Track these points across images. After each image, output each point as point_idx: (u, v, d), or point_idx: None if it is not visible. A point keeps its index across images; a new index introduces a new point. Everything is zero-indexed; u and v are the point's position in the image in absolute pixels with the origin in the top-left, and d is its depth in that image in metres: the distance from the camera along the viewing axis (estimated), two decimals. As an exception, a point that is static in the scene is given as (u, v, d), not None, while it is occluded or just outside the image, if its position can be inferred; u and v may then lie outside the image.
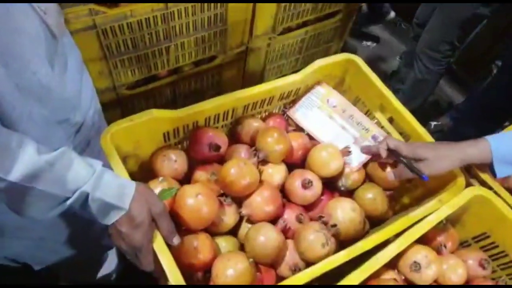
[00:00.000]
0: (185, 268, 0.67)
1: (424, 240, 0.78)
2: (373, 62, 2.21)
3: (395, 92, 1.58)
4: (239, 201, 0.78)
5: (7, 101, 0.55)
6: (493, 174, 0.72)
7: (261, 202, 0.76)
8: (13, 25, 0.52)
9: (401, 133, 0.87)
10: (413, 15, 1.80)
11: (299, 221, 0.79)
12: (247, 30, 1.27)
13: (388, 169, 0.83)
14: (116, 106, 1.22)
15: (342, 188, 0.86)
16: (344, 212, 0.76)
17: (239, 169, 0.74)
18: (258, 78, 1.51)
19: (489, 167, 0.72)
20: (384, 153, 0.78)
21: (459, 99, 2.14)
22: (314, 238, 0.72)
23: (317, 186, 0.81)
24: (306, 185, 0.79)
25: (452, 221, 0.82)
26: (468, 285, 0.75)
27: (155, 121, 0.75)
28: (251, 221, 0.79)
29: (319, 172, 0.82)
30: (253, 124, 0.87)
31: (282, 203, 0.80)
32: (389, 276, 0.73)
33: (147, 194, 0.60)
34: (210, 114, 0.82)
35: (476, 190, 0.74)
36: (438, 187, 0.79)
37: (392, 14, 2.46)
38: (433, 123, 1.98)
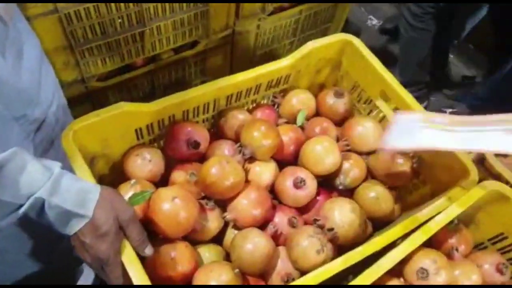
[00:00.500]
0: (161, 281, 0.67)
1: (433, 243, 0.78)
2: (379, 45, 2.20)
3: None
4: (223, 204, 0.78)
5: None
6: None
7: (248, 205, 0.75)
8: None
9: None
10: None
11: (292, 225, 0.79)
12: (233, 11, 1.25)
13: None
14: (86, 101, 1.21)
15: (341, 187, 0.85)
16: (342, 214, 0.76)
17: (221, 168, 0.73)
18: (248, 65, 1.50)
19: None
20: None
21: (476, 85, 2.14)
22: (308, 244, 0.71)
23: (311, 185, 0.80)
24: (299, 184, 0.78)
25: (465, 221, 0.81)
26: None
27: (125, 115, 0.74)
28: (237, 226, 0.78)
29: (313, 169, 0.82)
30: (238, 117, 0.86)
31: (272, 206, 0.79)
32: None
33: (114, 199, 0.59)
34: (189, 107, 0.81)
35: (491, 185, 0.74)
36: (449, 183, 0.78)
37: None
38: (448, 111, 1.98)
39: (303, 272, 0.71)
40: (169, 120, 0.81)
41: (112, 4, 1.01)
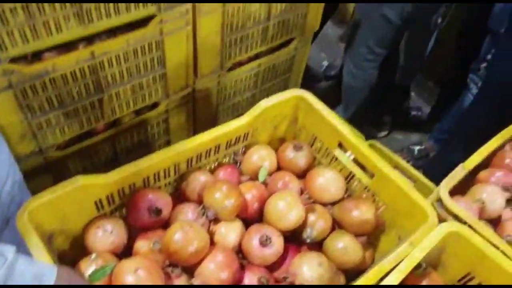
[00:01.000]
0: None
1: (403, 290, 0.80)
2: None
3: None
4: (190, 270, 0.79)
5: None
6: None
7: (215, 268, 0.77)
8: None
9: (364, 170, 0.92)
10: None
11: (262, 284, 0.80)
12: (191, 70, 1.32)
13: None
14: (45, 172, 1.22)
15: (308, 240, 0.88)
16: (311, 269, 0.79)
17: (184, 233, 0.75)
18: (212, 121, 1.56)
19: None
20: None
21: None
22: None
23: (278, 242, 0.83)
24: (264, 242, 0.81)
25: (433, 264, 0.85)
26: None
27: (83, 189, 0.76)
28: (206, 292, 0.79)
29: (279, 225, 0.85)
30: (199, 179, 0.89)
31: (240, 267, 0.81)
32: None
33: (71, 280, 0.60)
34: (149, 174, 0.84)
35: (449, 226, 0.78)
36: (411, 227, 0.82)
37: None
38: (416, 148, 2.07)
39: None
40: (129, 188, 0.83)
41: (69, 75, 1.05)
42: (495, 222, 0.97)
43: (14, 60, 0.94)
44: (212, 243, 0.82)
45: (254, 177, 0.96)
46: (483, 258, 0.78)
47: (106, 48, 1.06)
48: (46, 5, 0.90)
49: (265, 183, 0.94)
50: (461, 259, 0.82)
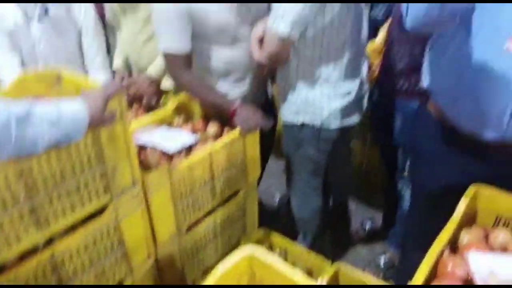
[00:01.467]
0: None
1: None
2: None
3: None
4: None
5: None
6: None
7: None
8: None
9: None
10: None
11: None
12: (150, 242, 1.38)
13: None
14: None
15: None
16: None
17: None
18: (180, 280, 1.58)
19: None
20: None
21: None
22: None
23: None
24: None
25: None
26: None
27: None
28: None
29: None
30: None
31: None
32: None
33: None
34: None
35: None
36: None
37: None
38: (381, 259, 2.13)
39: None
40: None
41: (31, 277, 1.08)
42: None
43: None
44: None
45: None
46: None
47: (65, 246, 1.12)
48: (5, 220, 0.98)
49: None
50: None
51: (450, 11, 1.06)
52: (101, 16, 2.06)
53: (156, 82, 1.95)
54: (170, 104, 1.73)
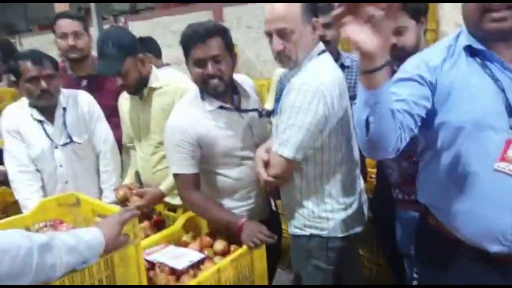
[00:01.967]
0: None
1: None
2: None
3: None
4: None
5: None
6: None
7: None
8: None
9: None
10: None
11: None
12: None
13: None
14: None
15: None
16: None
17: None
18: None
19: None
20: None
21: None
22: None
23: None
24: None
25: None
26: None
27: None
28: None
29: None
30: None
31: None
32: None
33: None
34: None
35: None
36: None
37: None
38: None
39: None
40: None
41: None
42: None
43: None
44: None
45: None
46: None
47: None
48: None
49: None
50: None
51: (360, 130, 1.10)
52: (118, 139, 2.24)
53: (163, 197, 2.03)
54: (178, 221, 1.79)
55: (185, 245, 1.72)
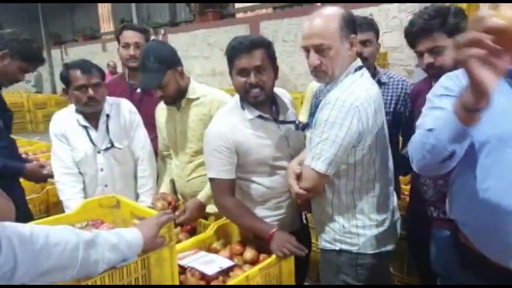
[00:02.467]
0: None
1: None
2: None
3: None
4: None
5: None
6: None
7: None
8: None
9: None
10: None
11: None
12: None
13: None
14: None
15: None
16: None
17: None
18: None
19: None
20: None
21: None
22: None
23: None
24: None
25: None
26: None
27: None
28: None
29: None
30: None
31: None
32: None
33: None
34: None
35: None
36: None
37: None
38: None
39: None
40: None
41: None
42: None
43: None
44: None
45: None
46: None
47: None
48: None
49: None
50: None
51: (437, 157, 1.12)
52: (155, 148, 2.34)
53: (204, 207, 2.08)
54: (210, 228, 1.84)
55: (216, 252, 1.76)
